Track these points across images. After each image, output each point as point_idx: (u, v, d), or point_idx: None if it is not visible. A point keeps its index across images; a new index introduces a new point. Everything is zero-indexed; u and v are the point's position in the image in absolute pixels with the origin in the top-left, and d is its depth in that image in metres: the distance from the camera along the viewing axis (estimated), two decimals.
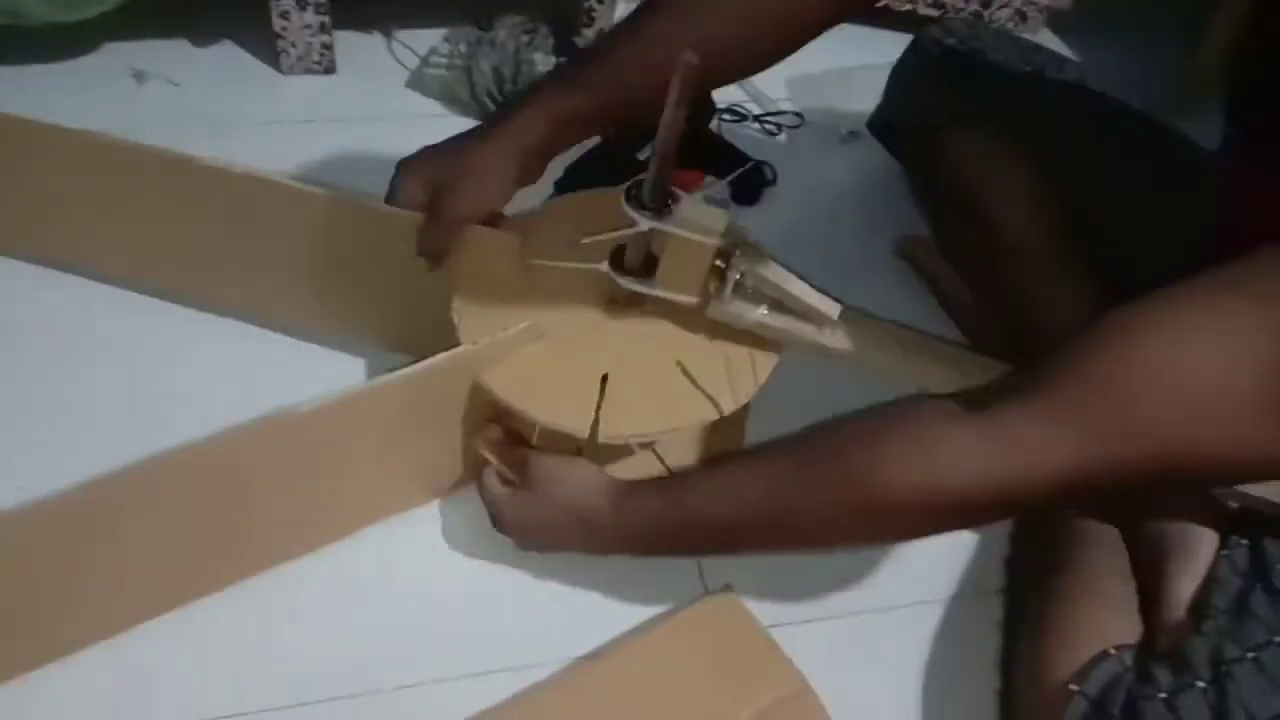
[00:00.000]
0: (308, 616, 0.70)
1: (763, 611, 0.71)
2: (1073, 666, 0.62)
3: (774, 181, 1.06)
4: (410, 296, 0.76)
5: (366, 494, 0.73)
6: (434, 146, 0.71)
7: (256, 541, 0.70)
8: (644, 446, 0.74)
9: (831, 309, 0.67)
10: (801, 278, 0.68)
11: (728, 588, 0.72)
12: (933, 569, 0.77)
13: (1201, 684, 0.57)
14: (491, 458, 0.70)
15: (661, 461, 0.75)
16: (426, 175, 0.70)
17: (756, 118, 1.15)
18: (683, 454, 0.76)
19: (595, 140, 1.07)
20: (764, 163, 1.07)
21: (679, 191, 0.66)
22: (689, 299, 0.69)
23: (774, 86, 1.19)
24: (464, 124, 1.09)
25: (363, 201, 0.72)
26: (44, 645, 0.65)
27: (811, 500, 0.58)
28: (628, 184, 0.66)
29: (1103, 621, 0.64)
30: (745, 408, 0.72)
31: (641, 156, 1.00)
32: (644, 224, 0.65)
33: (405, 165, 0.71)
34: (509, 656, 0.69)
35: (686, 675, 0.67)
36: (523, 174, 0.68)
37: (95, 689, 0.65)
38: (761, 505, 0.60)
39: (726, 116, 1.14)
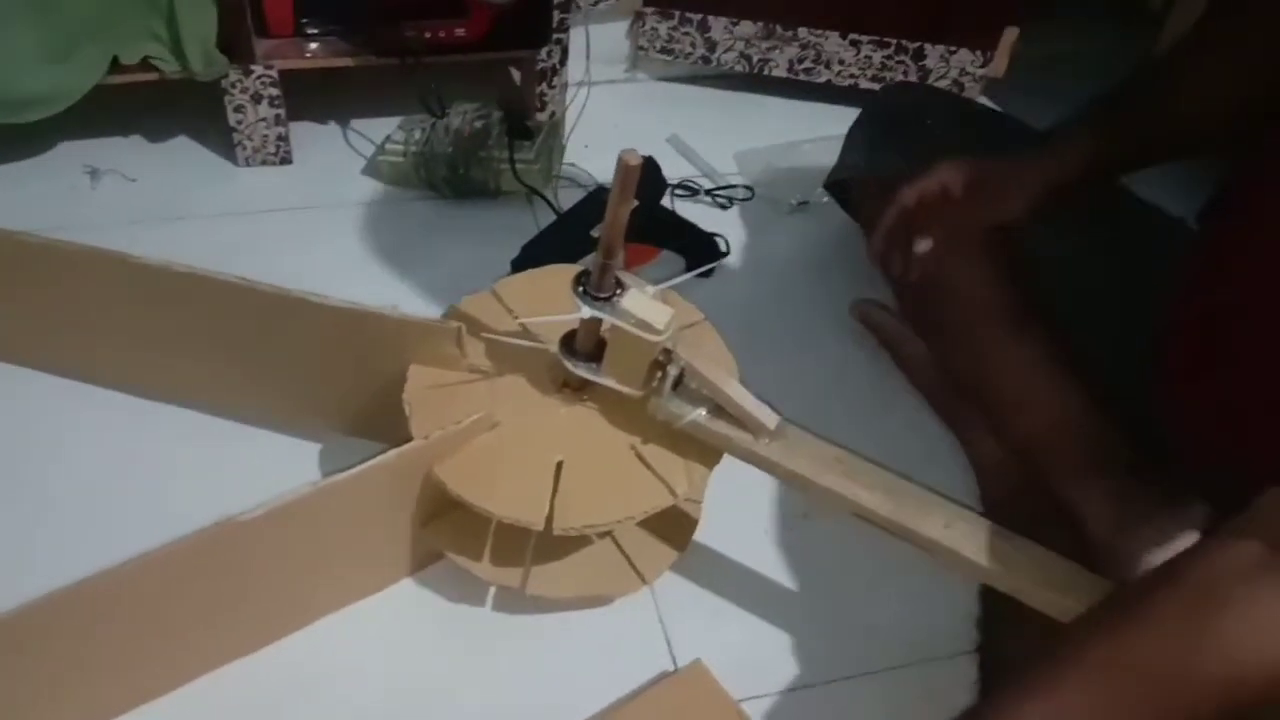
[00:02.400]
0: (266, 711, 0.68)
1: (733, 684, 0.70)
2: None
3: (728, 253, 1.08)
4: (364, 384, 0.77)
5: (319, 587, 0.72)
6: (977, 159, 0.82)
7: (212, 640, 0.69)
8: (602, 536, 0.75)
9: (769, 419, 0.67)
10: (744, 386, 0.68)
11: (697, 661, 0.71)
12: (901, 632, 0.77)
13: None
14: None
15: (620, 548, 0.75)
16: (968, 173, 0.80)
17: (708, 191, 1.17)
18: (640, 537, 0.76)
19: (551, 217, 1.09)
20: (717, 235, 1.09)
21: (629, 281, 0.67)
22: (632, 391, 0.69)
23: (723, 161, 1.23)
24: (420, 208, 1.11)
25: (315, 298, 0.73)
26: None
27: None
28: (579, 270, 0.67)
29: None
30: (701, 490, 0.72)
31: (595, 234, 1.02)
32: (586, 312, 0.66)
33: (949, 163, 0.81)
34: None
35: None
36: (1044, 203, 0.78)
37: None
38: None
39: (679, 191, 1.16)
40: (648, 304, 0.65)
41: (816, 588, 0.79)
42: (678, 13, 1.27)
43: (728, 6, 1.26)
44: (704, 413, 0.68)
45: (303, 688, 0.69)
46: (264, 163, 1.13)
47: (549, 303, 0.70)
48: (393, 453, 0.66)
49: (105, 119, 1.13)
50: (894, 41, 1.27)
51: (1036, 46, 1.32)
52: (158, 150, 1.15)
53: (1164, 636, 0.49)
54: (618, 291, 0.66)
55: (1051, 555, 0.64)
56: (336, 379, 0.78)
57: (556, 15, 1.13)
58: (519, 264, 1.01)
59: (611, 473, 0.69)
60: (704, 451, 0.70)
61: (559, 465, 0.69)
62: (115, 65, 1.03)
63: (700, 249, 1.06)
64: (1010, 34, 1.28)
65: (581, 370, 0.70)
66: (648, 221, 1.03)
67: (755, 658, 0.74)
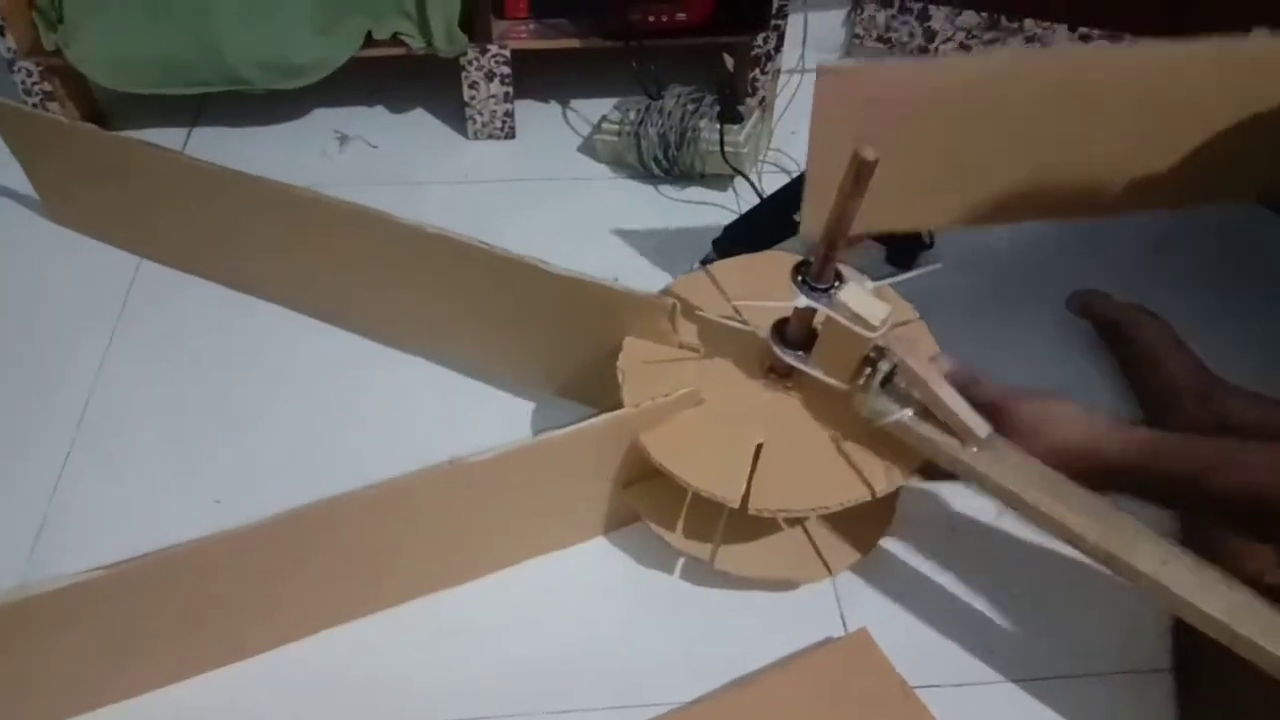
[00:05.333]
0: (464, 639, 0.75)
1: (909, 671, 0.71)
2: None
3: (931, 245, 1.07)
4: (579, 350, 0.81)
5: (524, 533, 0.78)
6: None
7: (423, 568, 0.75)
8: (792, 523, 0.76)
9: (980, 428, 0.65)
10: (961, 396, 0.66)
11: (862, 629, 0.72)
12: (1091, 640, 0.75)
13: None
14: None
15: (809, 536, 0.76)
16: None
17: None
18: (830, 527, 0.77)
19: (753, 200, 1.11)
20: None
21: (849, 275, 0.68)
22: (839, 383, 0.70)
23: None
24: (630, 186, 1.16)
25: (543, 264, 0.78)
26: (219, 652, 0.72)
27: None
28: (800, 259, 0.69)
29: None
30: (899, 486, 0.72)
31: (798, 218, 1.03)
32: (803, 302, 0.67)
33: None
34: (652, 691, 0.72)
35: (820, 712, 0.67)
36: None
37: (280, 688, 0.71)
38: None
39: None
40: (865, 299, 0.66)
41: (1004, 585, 0.78)
42: (898, 1, 1.26)
43: None
44: (909, 413, 0.68)
45: (501, 621, 0.76)
46: (491, 136, 1.21)
47: (761, 287, 0.72)
48: (605, 416, 0.70)
49: (355, 91, 1.24)
50: (1127, 36, 1.21)
51: None
52: (398, 120, 1.24)
53: None
54: (836, 284, 0.67)
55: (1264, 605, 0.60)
56: (554, 342, 0.83)
57: (776, 1, 1.14)
58: (719, 243, 1.04)
59: (810, 461, 0.70)
60: (903, 453, 0.70)
61: (759, 447, 0.71)
62: (368, 39, 1.12)
63: (904, 240, 1.06)
64: (1258, 34, 1.19)
65: (790, 358, 0.71)
66: None
67: (933, 647, 0.75)
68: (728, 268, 0.84)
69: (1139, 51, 0.76)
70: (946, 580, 0.79)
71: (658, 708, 0.70)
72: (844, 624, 0.76)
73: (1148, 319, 0.93)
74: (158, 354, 0.95)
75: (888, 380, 0.68)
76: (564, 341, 0.83)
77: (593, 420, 0.70)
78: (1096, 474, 0.65)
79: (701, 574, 0.77)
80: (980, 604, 0.78)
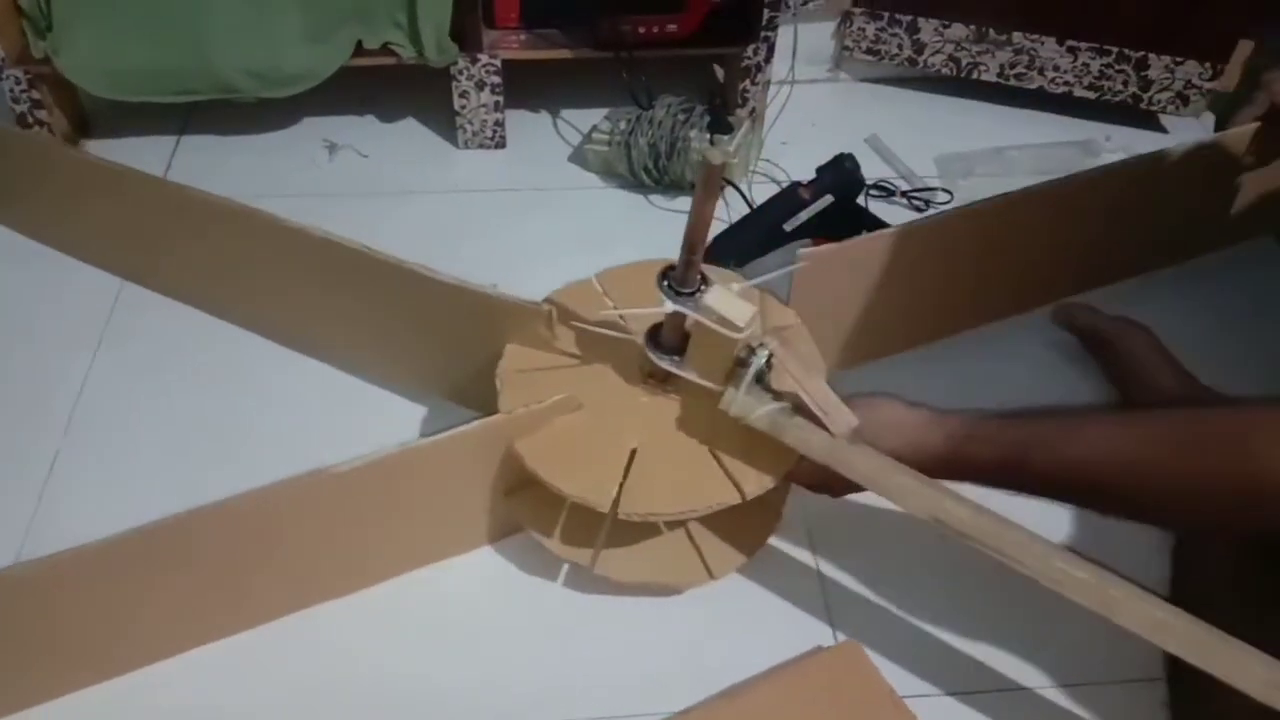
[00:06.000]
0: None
1: (899, 680, 0.71)
2: None
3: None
4: (466, 355, 0.81)
5: (402, 543, 0.76)
6: None
7: (296, 583, 0.73)
8: (673, 526, 0.76)
9: (849, 420, 0.66)
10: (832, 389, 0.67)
11: (850, 641, 0.72)
12: (1089, 649, 0.75)
13: None
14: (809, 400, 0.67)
15: (692, 541, 0.76)
16: None
17: (904, 193, 1.17)
18: (716, 532, 0.76)
19: (744, 210, 1.11)
20: None
21: (715, 277, 0.68)
22: (713, 385, 0.70)
23: (923, 164, 1.21)
24: (620, 195, 1.16)
25: (425, 270, 0.78)
26: (109, 661, 0.71)
27: (1187, 472, 0.59)
28: (666, 264, 0.69)
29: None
30: (785, 486, 0.72)
31: (788, 228, 1.04)
32: (669, 306, 0.68)
33: None
34: (641, 701, 0.71)
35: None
36: None
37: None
38: (1123, 465, 0.61)
39: (875, 192, 1.16)
40: (730, 301, 0.66)
41: (994, 594, 0.77)
42: (887, 13, 1.26)
43: (940, 8, 1.24)
44: (778, 407, 0.68)
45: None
46: (481, 146, 1.21)
47: (648, 294, 0.70)
48: (476, 424, 0.70)
49: (344, 99, 1.23)
50: (1115, 49, 1.22)
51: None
52: (388, 130, 1.24)
53: None
54: (701, 288, 0.67)
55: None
56: (443, 347, 0.83)
57: (766, 14, 1.15)
58: (712, 251, 1.04)
59: (683, 465, 0.70)
60: (779, 456, 0.70)
61: (633, 452, 0.71)
62: (358, 49, 1.12)
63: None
64: (1244, 47, 1.21)
65: (664, 363, 0.72)
66: (841, 218, 1.04)
67: (923, 657, 0.74)
68: (616, 275, 0.84)
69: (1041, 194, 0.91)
70: (937, 589, 0.79)
71: (647, 718, 0.70)
72: (834, 633, 0.76)
73: (1132, 329, 0.94)
74: (143, 367, 0.94)
75: (760, 379, 0.68)
76: (451, 347, 0.82)
77: (464, 427, 0.69)
78: (928, 468, 0.67)
79: (593, 584, 0.76)
80: (971, 613, 0.77)
